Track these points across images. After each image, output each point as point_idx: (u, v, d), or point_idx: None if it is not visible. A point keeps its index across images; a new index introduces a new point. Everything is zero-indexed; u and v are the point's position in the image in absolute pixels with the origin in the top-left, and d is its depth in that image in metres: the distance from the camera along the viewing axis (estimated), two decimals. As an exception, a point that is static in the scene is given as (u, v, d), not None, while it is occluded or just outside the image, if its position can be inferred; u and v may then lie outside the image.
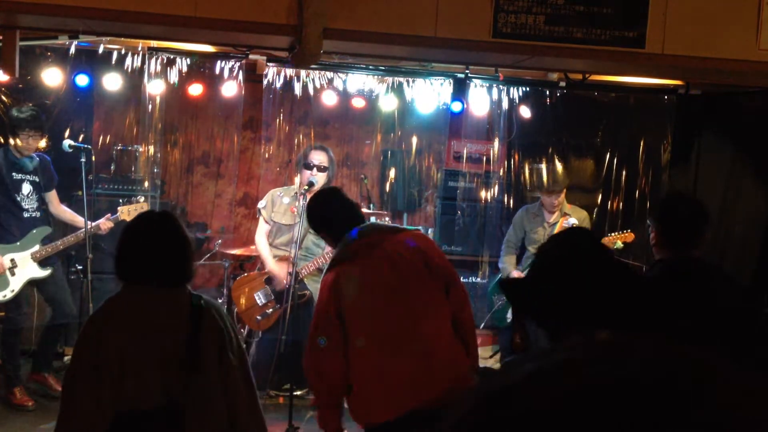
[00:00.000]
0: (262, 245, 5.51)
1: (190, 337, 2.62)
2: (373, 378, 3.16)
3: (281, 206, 5.49)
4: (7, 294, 5.40)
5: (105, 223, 5.55)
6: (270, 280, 5.56)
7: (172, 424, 2.56)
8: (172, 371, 2.58)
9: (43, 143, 5.75)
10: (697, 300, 2.88)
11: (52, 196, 5.72)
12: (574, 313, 1.91)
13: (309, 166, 5.36)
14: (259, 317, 5.40)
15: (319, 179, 5.35)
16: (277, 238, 5.49)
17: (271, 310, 5.38)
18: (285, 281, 5.26)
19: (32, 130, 5.41)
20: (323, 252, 5.38)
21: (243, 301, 5.39)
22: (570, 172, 6.77)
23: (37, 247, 5.50)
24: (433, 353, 3.13)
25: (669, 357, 0.52)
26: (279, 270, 5.36)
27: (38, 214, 5.60)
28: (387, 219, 6.63)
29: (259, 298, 5.46)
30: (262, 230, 5.55)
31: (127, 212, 5.60)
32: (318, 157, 5.41)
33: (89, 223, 5.42)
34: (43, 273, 5.54)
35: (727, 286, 3.08)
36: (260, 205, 5.62)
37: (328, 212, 3.40)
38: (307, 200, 3.67)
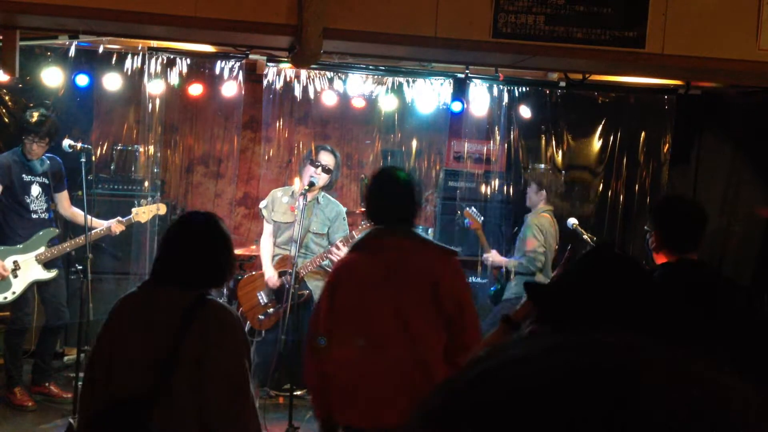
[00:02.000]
0: (263, 249, 5.54)
1: (174, 338, 2.60)
2: (341, 377, 3.13)
3: (281, 206, 5.50)
4: (8, 296, 5.39)
5: (117, 226, 5.48)
6: None
7: (141, 418, 2.56)
8: (149, 368, 2.59)
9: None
10: (699, 304, 2.87)
11: (63, 197, 5.68)
12: (591, 322, 1.92)
13: (315, 164, 5.35)
14: (261, 316, 5.44)
15: (321, 180, 5.35)
16: (277, 237, 5.51)
17: (272, 309, 5.41)
18: (275, 285, 5.33)
19: (36, 135, 5.36)
20: (323, 250, 5.38)
21: (246, 300, 5.44)
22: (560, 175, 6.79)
23: (42, 249, 5.47)
24: (407, 376, 3.03)
25: (602, 356, 0.52)
26: (272, 275, 5.38)
27: (46, 215, 5.56)
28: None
29: (261, 298, 5.50)
30: (266, 232, 5.58)
31: (141, 214, 5.55)
32: (326, 158, 5.39)
33: (102, 222, 5.43)
34: (48, 275, 5.51)
35: (728, 289, 3.08)
36: (262, 205, 5.62)
37: (375, 193, 3.37)
38: (370, 177, 3.64)
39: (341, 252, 5.10)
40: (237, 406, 2.67)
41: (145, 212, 5.54)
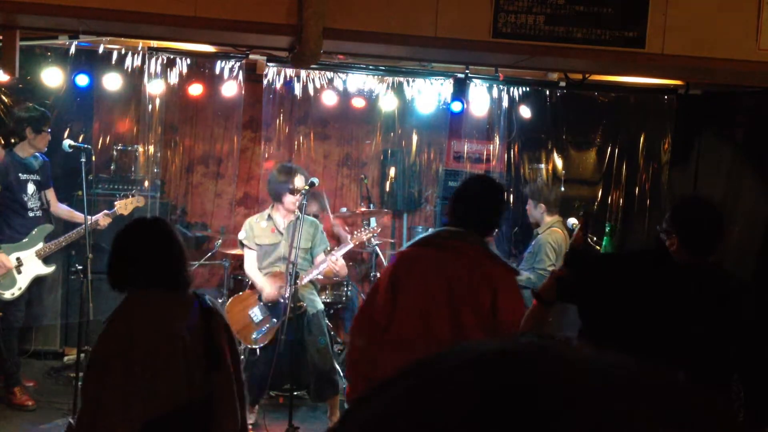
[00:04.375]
0: (254, 274, 5.46)
1: (206, 335, 2.67)
2: (366, 373, 3.16)
3: (261, 230, 5.46)
4: (15, 292, 5.48)
5: (103, 219, 5.63)
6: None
7: (198, 421, 2.58)
8: (194, 370, 2.61)
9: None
10: (711, 306, 2.87)
11: (51, 195, 5.81)
12: (613, 313, 1.96)
13: (294, 192, 5.34)
14: (254, 335, 5.35)
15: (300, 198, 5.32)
16: (265, 260, 5.45)
17: (267, 326, 5.33)
18: (275, 299, 5.31)
19: (48, 127, 5.56)
20: (308, 264, 5.43)
21: (239, 320, 5.32)
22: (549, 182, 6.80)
23: (41, 245, 5.59)
24: None
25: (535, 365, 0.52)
26: (270, 290, 5.35)
27: (41, 213, 5.68)
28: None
29: (255, 315, 5.40)
30: (250, 259, 5.48)
31: (123, 206, 5.71)
32: (299, 182, 5.37)
33: (89, 218, 5.45)
34: (47, 270, 5.66)
35: (741, 292, 3.06)
36: (240, 236, 5.53)
37: (458, 196, 3.38)
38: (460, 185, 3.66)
39: (340, 262, 5.31)
40: (236, 392, 2.79)
41: (126, 205, 5.73)
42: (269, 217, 5.49)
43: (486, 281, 3.11)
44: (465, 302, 3.10)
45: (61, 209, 5.86)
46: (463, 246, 3.19)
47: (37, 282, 5.67)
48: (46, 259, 5.62)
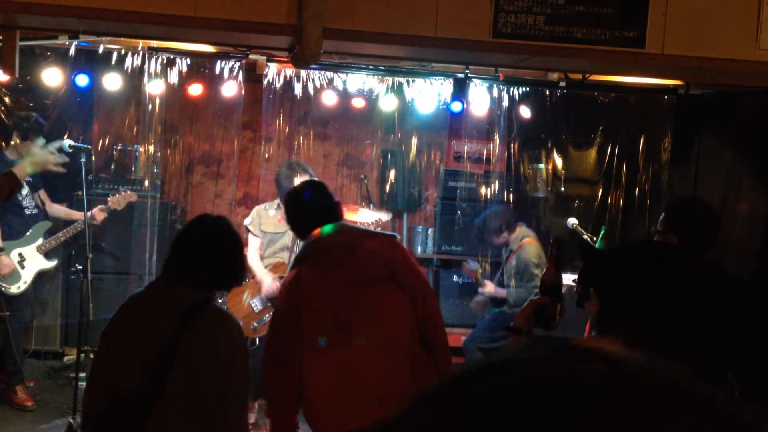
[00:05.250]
0: (254, 260, 5.50)
1: (172, 339, 2.56)
2: (323, 386, 3.13)
3: (269, 218, 5.53)
4: (21, 285, 5.56)
5: (99, 213, 5.71)
6: None
7: (139, 420, 2.54)
8: (147, 369, 2.56)
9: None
10: (712, 306, 2.87)
11: (44, 195, 5.87)
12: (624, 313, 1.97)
13: None
14: (255, 324, 5.41)
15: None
16: (269, 248, 5.51)
17: (267, 315, 5.38)
18: (275, 292, 5.31)
19: (36, 137, 5.56)
20: None
21: (238, 309, 5.37)
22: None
23: (41, 241, 5.69)
24: (390, 369, 3.06)
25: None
26: (271, 281, 5.37)
27: (36, 211, 5.75)
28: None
29: (255, 306, 5.45)
30: (253, 246, 5.54)
31: (116, 201, 5.82)
32: (298, 181, 5.42)
33: (83, 215, 5.51)
34: (50, 264, 5.77)
35: (738, 289, 3.07)
36: (246, 222, 5.60)
37: (297, 209, 3.39)
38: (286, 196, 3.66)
39: None
40: (220, 416, 2.60)
41: (119, 200, 5.82)
42: (279, 206, 5.54)
43: (382, 256, 3.18)
44: (367, 283, 3.14)
45: (56, 209, 5.95)
46: (336, 242, 3.21)
47: (41, 277, 5.77)
48: (47, 254, 5.71)
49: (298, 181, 5.40)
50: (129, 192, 5.97)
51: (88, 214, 5.55)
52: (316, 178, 5.27)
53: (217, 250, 2.77)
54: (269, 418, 3.24)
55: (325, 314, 3.16)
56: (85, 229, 5.36)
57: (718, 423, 0.48)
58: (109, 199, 5.84)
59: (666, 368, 0.52)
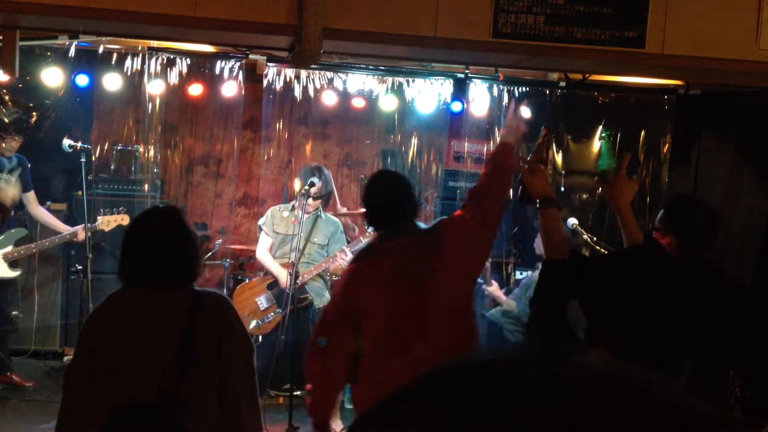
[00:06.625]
0: (265, 258, 5.60)
1: (185, 333, 2.55)
2: (375, 379, 3.13)
3: (282, 219, 5.65)
4: None
5: (81, 233, 5.52)
6: (272, 285, 5.64)
7: (166, 421, 2.53)
8: (166, 369, 2.54)
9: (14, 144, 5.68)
10: (706, 307, 2.87)
11: (31, 198, 5.69)
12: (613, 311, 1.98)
13: (306, 196, 5.42)
14: (260, 321, 5.48)
15: (317, 188, 5.42)
16: (280, 249, 5.62)
17: (272, 314, 5.46)
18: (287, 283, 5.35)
19: (15, 133, 5.46)
20: (326, 257, 5.55)
21: (245, 306, 5.46)
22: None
23: (10, 248, 5.51)
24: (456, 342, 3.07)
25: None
26: (285, 277, 5.40)
27: (12, 213, 5.57)
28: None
29: (261, 303, 5.55)
30: (264, 245, 5.66)
31: (106, 222, 5.63)
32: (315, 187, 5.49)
33: (70, 228, 5.46)
34: (11, 274, 5.56)
35: (738, 291, 3.06)
36: (261, 222, 5.77)
37: (374, 197, 3.37)
38: (368, 178, 3.72)
39: (348, 257, 5.36)
40: (254, 388, 2.73)
41: (109, 221, 5.63)
42: (293, 208, 5.60)
43: (436, 249, 3.17)
44: (429, 286, 3.12)
45: (42, 213, 5.74)
46: (401, 243, 3.18)
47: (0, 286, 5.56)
48: (12, 263, 5.52)
49: (310, 182, 5.48)
50: (122, 214, 5.74)
51: (71, 231, 5.48)
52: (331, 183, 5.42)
53: (183, 245, 2.68)
54: (311, 397, 3.26)
55: (380, 315, 3.12)
56: (85, 229, 5.35)
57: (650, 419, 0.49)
58: (100, 217, 5.65)
59: (632, 372, 0.52)
